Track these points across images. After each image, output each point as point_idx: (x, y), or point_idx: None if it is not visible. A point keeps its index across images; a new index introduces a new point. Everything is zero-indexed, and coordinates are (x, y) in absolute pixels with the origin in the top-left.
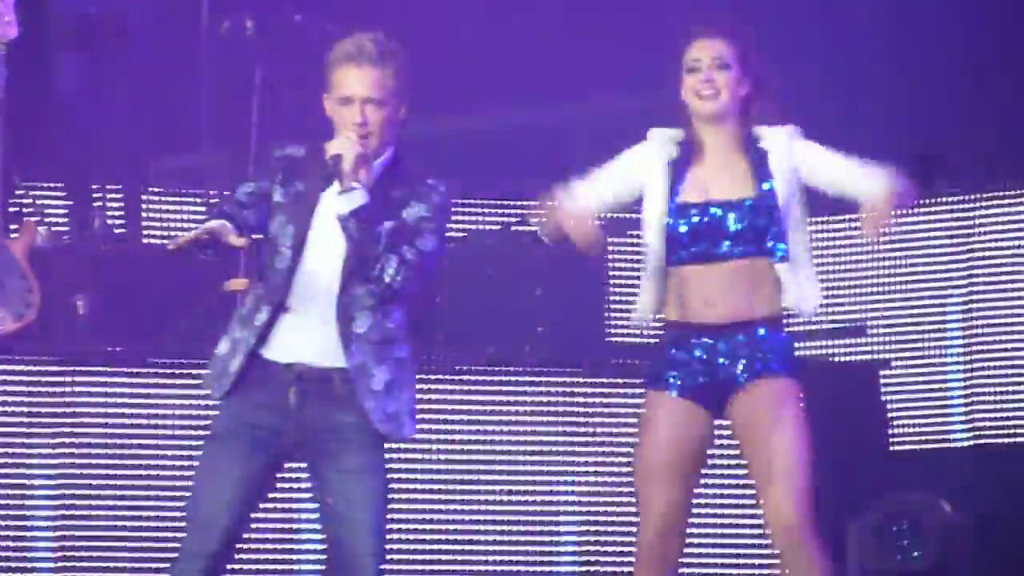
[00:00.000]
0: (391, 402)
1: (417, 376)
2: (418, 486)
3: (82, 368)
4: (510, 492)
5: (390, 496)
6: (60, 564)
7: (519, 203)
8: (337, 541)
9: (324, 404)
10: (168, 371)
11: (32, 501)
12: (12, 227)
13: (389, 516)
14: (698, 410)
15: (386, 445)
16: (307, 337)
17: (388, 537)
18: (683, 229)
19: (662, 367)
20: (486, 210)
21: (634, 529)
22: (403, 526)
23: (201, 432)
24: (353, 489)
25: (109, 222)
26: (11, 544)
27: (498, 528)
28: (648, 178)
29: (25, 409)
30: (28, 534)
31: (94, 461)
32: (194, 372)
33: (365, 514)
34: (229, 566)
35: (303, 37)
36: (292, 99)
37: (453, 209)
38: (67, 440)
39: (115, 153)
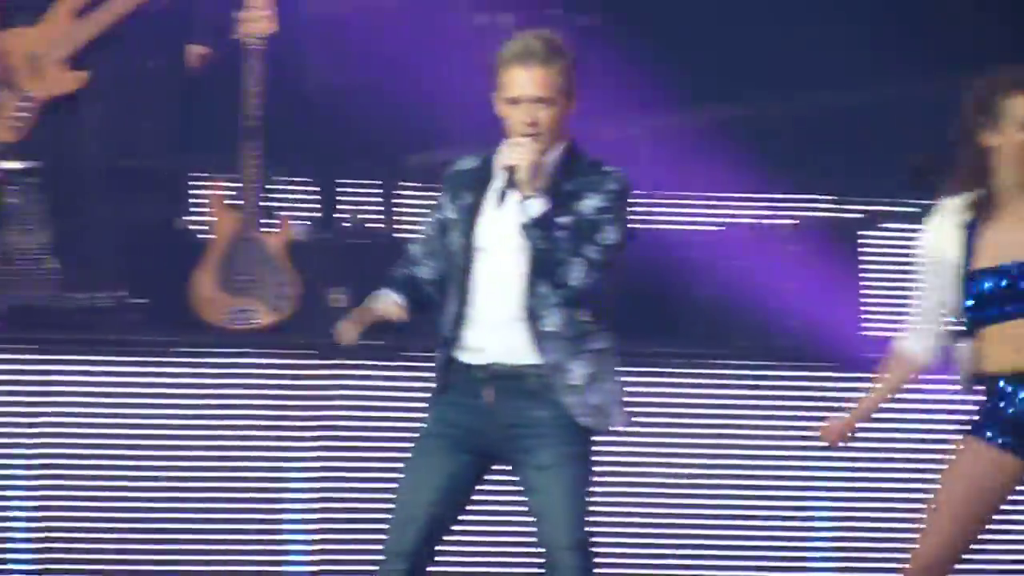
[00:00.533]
0: (594, 395)
1: (671, 370)
2: (662, 480)
3: (339, 361)
4: (760, 486)
5: (594, 487)
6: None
7: (770, 197)
8: (540, 537)
9: (518, 400)
10: (420, 364)
11: (287, 494)
12: (268, 221)
13: (624, 507)
14: (1008, 459)
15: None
16: (496, 338)
17: (621, 529)
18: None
19: (981, 416)
20: (737, 204)
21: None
22: (642, 519)
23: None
24: (550, 484)
25: (362, 216)
26: (266, 536)
27: (747, 521)
28: (947, 253)
29: (282, 402)
30: (283, 523)
31: (352, 453)
32: None
33: (561, 507)
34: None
35: (559, 32)
36: None
37: (658, 200)
38: (325, 430)
39: (370, 148)
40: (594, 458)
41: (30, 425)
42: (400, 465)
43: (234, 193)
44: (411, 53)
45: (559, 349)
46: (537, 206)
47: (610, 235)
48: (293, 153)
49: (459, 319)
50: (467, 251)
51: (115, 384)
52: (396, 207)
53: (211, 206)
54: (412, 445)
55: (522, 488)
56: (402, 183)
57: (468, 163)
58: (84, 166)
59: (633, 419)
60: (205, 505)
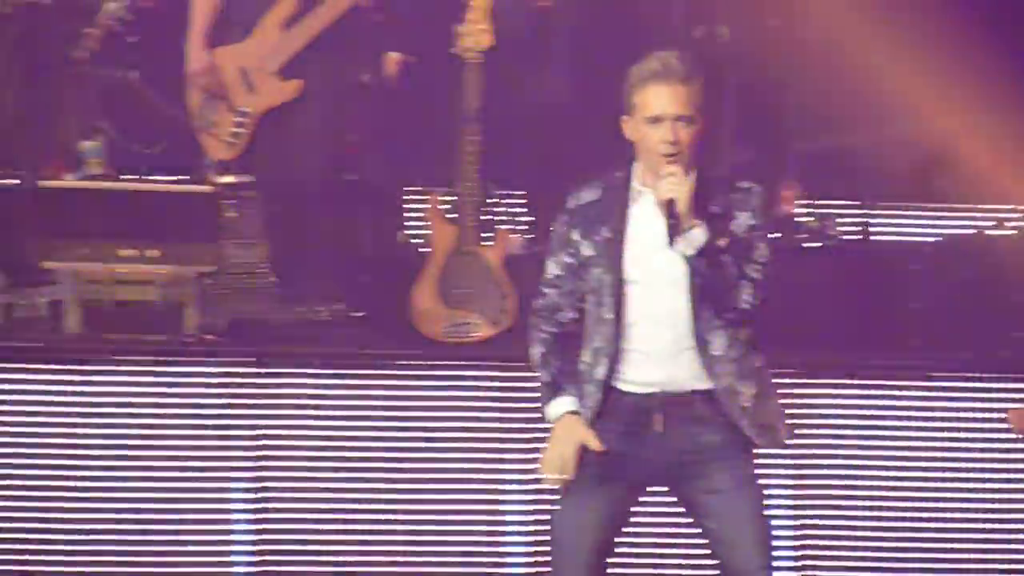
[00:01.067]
0: (761, 414)
1: (886, 381)
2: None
3: None
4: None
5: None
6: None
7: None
8: (724, 562)
9: (691, 426)
10: None
11: (507, 506)
12: (486, 235)
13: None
14: None
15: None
16: (662, 368)
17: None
18: None
19: None
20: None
21: None
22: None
23: None
24: (732, 508)
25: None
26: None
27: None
28: None
29: (500, 414)
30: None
31: None
32: None
33: (745, 530)
34: None
35: (775, 44)
36: (764, 104)
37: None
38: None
39: (586, 161)
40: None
41: (250, 437)
42: None
43: (452, 206)
44: (627, 65)
45: (729, 372)
46: (701, 236)
47: (763, 251)
48: (510, 167)
49: (615, 354)
50: (617, 286)
51: (334, 396)
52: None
53: (429, 219)
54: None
55: (695, 514)
56: None
57: (590, 195)
58: (301, 179)
59: (859, 433)
60: (428, 515)
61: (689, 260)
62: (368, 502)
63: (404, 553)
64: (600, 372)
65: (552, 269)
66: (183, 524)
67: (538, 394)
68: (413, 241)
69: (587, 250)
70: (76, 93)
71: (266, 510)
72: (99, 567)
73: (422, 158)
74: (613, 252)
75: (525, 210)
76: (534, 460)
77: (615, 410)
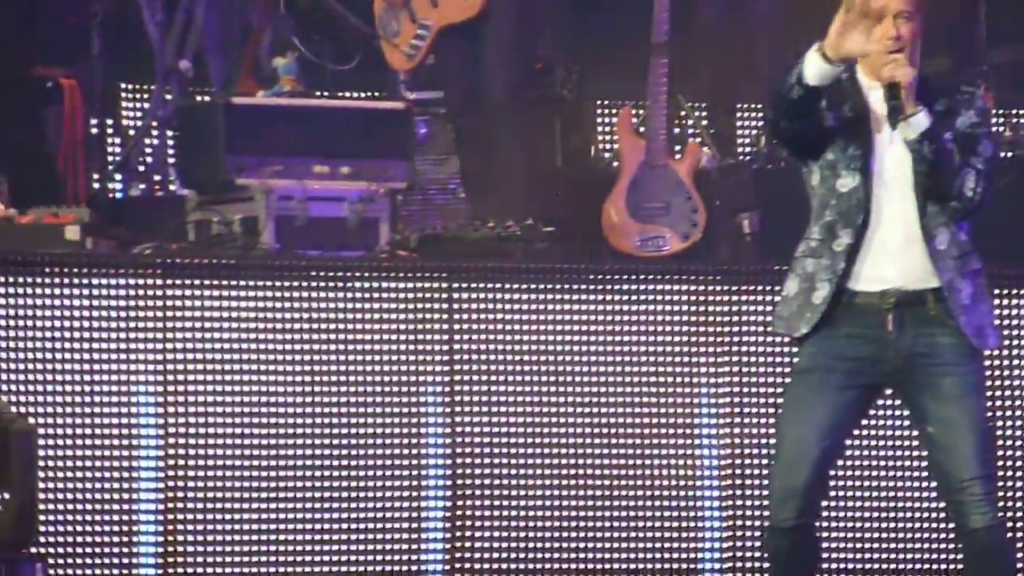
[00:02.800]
0: (975, 315)
1: None
2: None
3: (746, 287)
4: None
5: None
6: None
7: None
8: (940, 468)
9: (922, 327)
10: None
11: (701, 419)
12: (677, 148)
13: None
14: None
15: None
16: (893, 261)
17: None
18: None
19: None
20: None
21: None
22: None
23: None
24: (953, 416)
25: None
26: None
27: None
28: None
29: (692, 327)
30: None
31: (764, 379)
32: None
33: (966, 439)
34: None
35: None
36: (958, 13)
37: None
38: (734, 355)
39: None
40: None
41: (443, 352)
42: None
43: (642, 120)
44: None
45: (952, 268)
46: (924, 119)
47: (988, 148)
48: (698, 79)
49: (852, 249)
50: (861, 164)
51: (526, 311)
52: None
53: (619, 133)
54: (790, 382)
55: (916, 417)
56: None
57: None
58: (489, 96)
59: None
60: (624, 430)
61: (913, 145)
62: (560, 416)
63: (597, 467)
64: (844, 241)
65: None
66: (377, 440)
67: (727, 307)
68: (604, 155)
69: (829, 121)
70: (268, 10)
71: (460, 424)
72: (293, 482)
73: (611, 71)
74: (858, 130)
75: (714, 123)
76: (726, 373)
77: (845, 313)
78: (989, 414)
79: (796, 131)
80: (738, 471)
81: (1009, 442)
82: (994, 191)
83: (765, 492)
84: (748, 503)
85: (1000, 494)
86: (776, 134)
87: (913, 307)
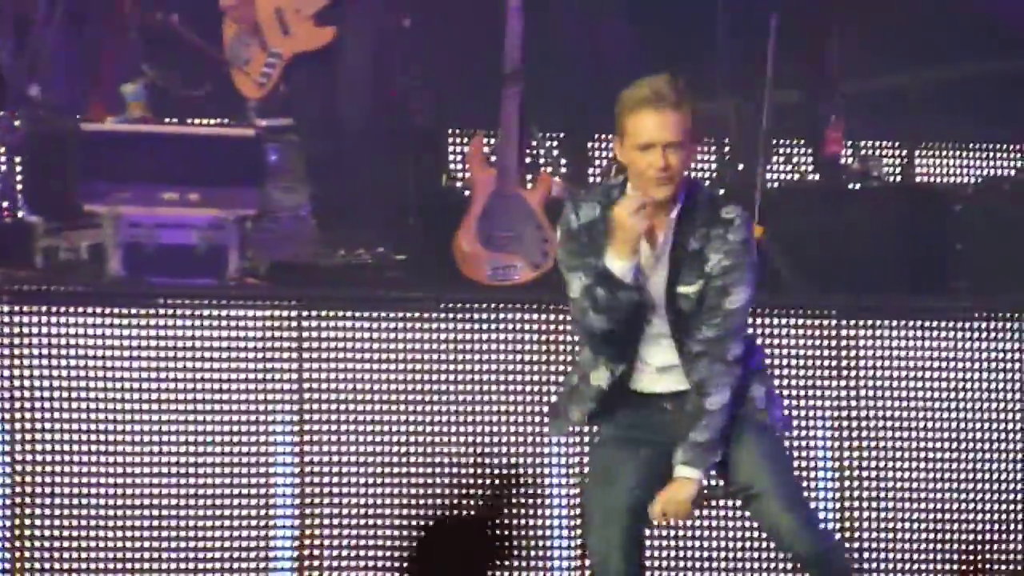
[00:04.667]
0: (775, 406)
1: (930, 323)
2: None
3: None
4: None
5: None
6: None
7: None
8: (733, 482)
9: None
10: None
11: (547, 447)
12: (529, 178)
13: None
14: None
15: None
16: (658, 380)
17: None
18: None
19: None
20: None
21: None
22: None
23: None
24: (740, 443)
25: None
26: None
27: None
28: None
29: (542, 356)
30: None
31: None
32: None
33: (752, 452)
34: None
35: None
36: (809, 45)
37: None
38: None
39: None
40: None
41: (293, 381)
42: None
43: (493, 149)
44: (671, 4)
45: (724, 386)
46: (657, 295)
47: (738, 297)
48: (551, 108)
49: (611, 380)
50: (637, 306)
51: (376, 340)
52: None
53: (470, 162)
54: (595, 449)
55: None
56: None
57: (589, 212)
58: (341, 123)
59: (904, 375)
60: (468, 458)
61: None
62: (409, 445)
63: (445, 495)
64: (599, 380)
65: (578, 284)
66: (225, 468)
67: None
68: (456, 184)
69: (599, 264)
70: (118, 36)
71: (309, 453)
72: (141, 510)
73: (464, 101)
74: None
75: (565, 152)
76: None
77: (624, 402)
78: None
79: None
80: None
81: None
82: (748, 341)
83: None
84: None
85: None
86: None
87: (683, 400)
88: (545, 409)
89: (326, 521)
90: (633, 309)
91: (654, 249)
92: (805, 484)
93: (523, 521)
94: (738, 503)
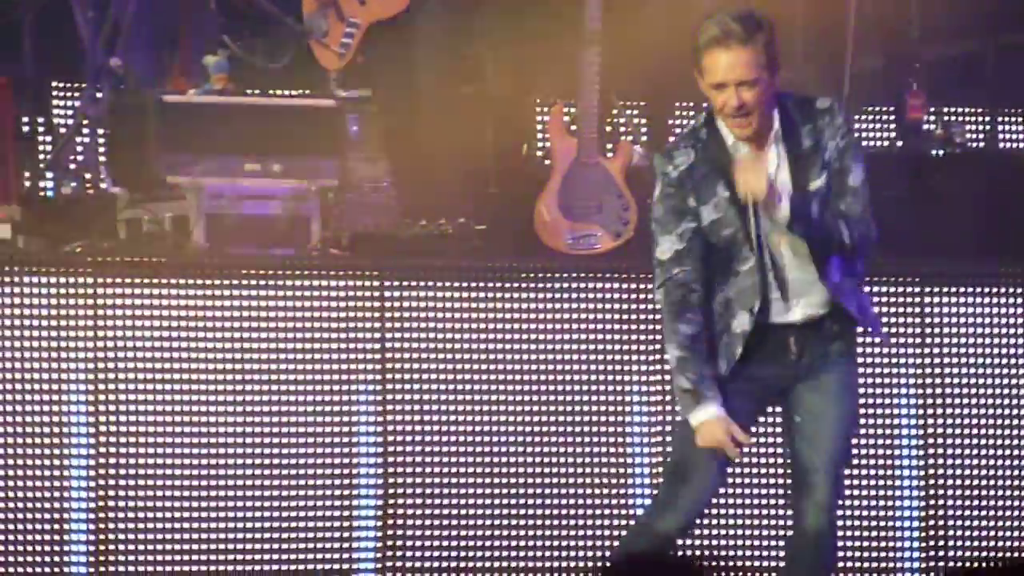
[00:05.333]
0: (876, 323)
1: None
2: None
3: None
4: None
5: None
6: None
7: None
8: (796, 456)
9: (818, 345)
10: None
11: (632, 417)
12: (609, 146)
13: None
14: None
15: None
16: (794, 309)
17: None
18: None
19: None
20: None
21: None
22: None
23: None
24: (822, 409)
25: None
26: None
27: None
28: None
29: (624, 326)
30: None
31: None
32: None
33: (828, 433)
34: None
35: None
36: (890, 11)
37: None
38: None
39: None
40: None
41: (374, 351)
42: None
43: (573, 118)
44: None
45: (852, 294)
46: (785, 211)
47: (856, 173)
48: (631, 75)
49: (751, 321)
50: (752, 243)
51: (457, 310)
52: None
53: (550, 131)
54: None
55: (787, 406)
56: None
57: (684, 158)
58: (420, 92)
59: (989, 342)
60: (556, 427)
61: (788, 229)
62: (491, 414)
63: (529, 464)
64: (740, 324)
65: (670, 245)
66: (309, 439)
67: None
68: (536, 153)
69: (710, 213)
70: (199, 8)
71: (392, 423)
72: (225, 480)
73: (545, 69)
74: (738, 210)
75: (646, 121)
76: (657, 372)
77: (754, 345)
78: (854, 421)
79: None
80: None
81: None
82: (872, 217)
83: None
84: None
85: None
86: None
87: (813, 330)
88: (623, 378)
89: (410, 491)
90: (754, 240)
91: (781, 189)
92: (889, 452)
93: (607, 491)
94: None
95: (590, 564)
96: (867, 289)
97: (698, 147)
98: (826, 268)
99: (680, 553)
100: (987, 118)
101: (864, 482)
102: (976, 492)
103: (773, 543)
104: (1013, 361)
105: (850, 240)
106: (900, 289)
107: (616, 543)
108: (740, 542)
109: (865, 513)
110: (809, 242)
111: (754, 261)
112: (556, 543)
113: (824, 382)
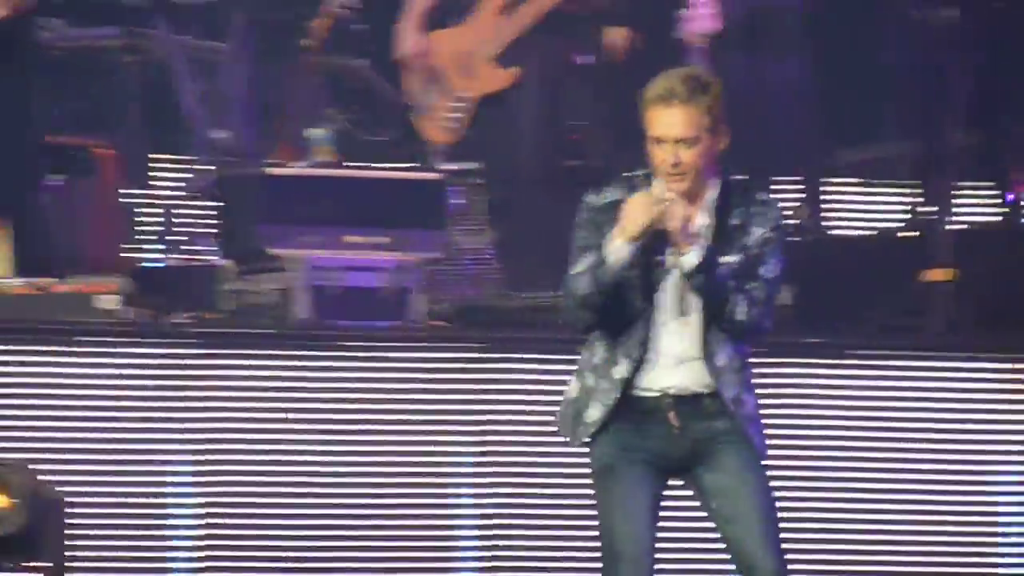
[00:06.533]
0: (757, 427)
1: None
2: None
3: (786, 360)
4: None
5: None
6: None
7: None
8: (729, 540)
9: (699, 421)
10: (873, 361)
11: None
12: None
13: None
14: None
15: None
16: (673, 374)
17: None
18: None
19: None
20: None
21: None
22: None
23: None
24: (734, 486)
25: (809, 214)
26: None
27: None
28: None
29: None
30: None
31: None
32: (892, 362)
33: (749, 506)
34: None
35: (1006, 26)
36: (993, 87)
37: None
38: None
39: (796, 144)
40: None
41: (478, 423)
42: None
43: None
44: (842, 47)
45: (736, 383)
46: (693, 258)
47: (772, 268)
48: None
49: (632, 368)
50: (643, 292)
51: (560, 382)
52: (823, 203)
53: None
54: (601, 478)
55: (701, 495)
56: (827, 179)
57: (615, 194)
58: (523, 166)
59: None
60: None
61: (686, 278)
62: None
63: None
64: (620, 371)
65: (583, 263)
66: (412, 510)
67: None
68: None
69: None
70: (305, 81)
71: (494, 495)
72: (325, 552)
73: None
74: (644, 256)
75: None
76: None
77: (627, 412)
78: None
79: (604, 307)
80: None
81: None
82: (772, 311)
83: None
84: None
85: None
86: (580, 324)
87: (692, 404)
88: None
89: (512, 564)
90: (646, 290)
91: (691, 231)
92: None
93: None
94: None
95: None
96: (978, 365)
97: (629, 190)
98: (712, 345)
99: None
100: None
101: None
102: None
103: None
104: None
105: (745, 317)
106: (1002, 365)
107: None
108: None
109: None
110: (705, 302)
111: (642, 313)
112: None
113: (722, 462)
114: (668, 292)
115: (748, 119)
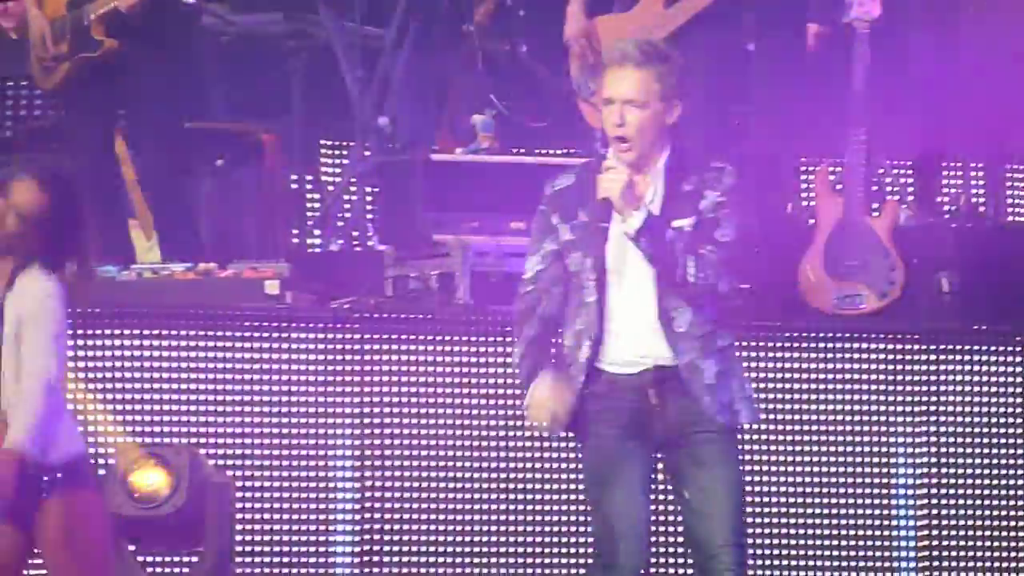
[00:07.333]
0: (723, 392)
1: None
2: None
3: (948, 347)
4: None
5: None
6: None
7: None
8: (693, 533)
9: (679, 398)
10: None
11: (896, 478)
12: (875, 206)
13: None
14: None
15: None
16: (637, 345)
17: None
18: None
19: None
20: None
21: None
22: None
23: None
24: (709, 481)
25: (973, 200)
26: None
27: None
28: None
29: (883, 387)
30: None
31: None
32: None
33: (720, 505)
34: None
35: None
36: None
37: None
38: (930, 415)
39: (976, 130)
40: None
41: None
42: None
43: (839, 177)
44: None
45: (693, 348)
46: (636, 222)
47: (727, 231)
48: (897, 137)
49: (599, 335)
50: (596, 273)
51: None
52: (1005, 190)
53: (816, 190)
54: (592, 457)
55: (675, 481)
56: (1009, 166)
57: (566, 180)
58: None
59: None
60: (822, 491)
61: (631, 239)
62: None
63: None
64: (583, 354)
65: (532, 265)
66: (569, 494)
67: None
68: (801, 212)
69: (566, 234)
70: (467, 67)
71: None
72: (480, 536)
73: (810, 128)
74: (591, 236)
75: (912, 180)
76: (923, 433)
77: (609, 392)
78: (740, 488)
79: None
80: (935, 531)
81: None
82: (731, 273)
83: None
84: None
85: None
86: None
87: (671, 380)
88: (889, 440)
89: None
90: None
91: (643, 200)
92: None
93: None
94: None
95: None
96: None
97: (581, 173)
98: (669, 312)
99: None
100: None
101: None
102: None
103: None
104: None
105: (694, 279)
106: None
107: None
108: None
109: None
110: (652, 265)
111: (596, 295)
112: None
113: (701, 455)
114: (616, 260)
115: (932, 104)
